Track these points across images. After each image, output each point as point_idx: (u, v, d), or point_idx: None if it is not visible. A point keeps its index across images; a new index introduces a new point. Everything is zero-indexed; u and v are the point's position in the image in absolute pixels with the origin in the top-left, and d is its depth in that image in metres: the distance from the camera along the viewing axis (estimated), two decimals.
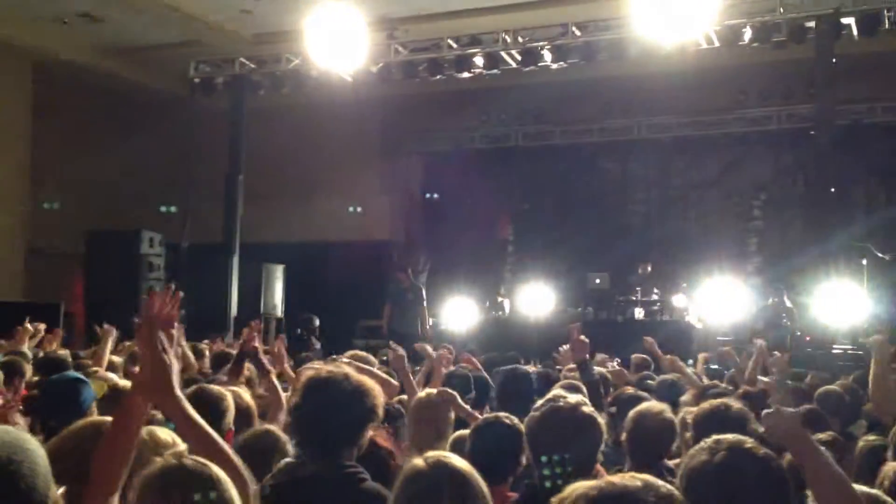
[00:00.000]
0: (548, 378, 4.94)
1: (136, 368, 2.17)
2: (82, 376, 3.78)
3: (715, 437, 2.31)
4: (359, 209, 18.09)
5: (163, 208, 17.22)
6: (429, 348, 6.57)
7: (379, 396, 2.93)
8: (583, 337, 4.96)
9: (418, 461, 2.25)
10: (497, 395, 4.75)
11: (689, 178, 17.75)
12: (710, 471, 2.20)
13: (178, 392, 2.09)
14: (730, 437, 2.34)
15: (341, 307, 15.21)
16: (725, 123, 16.48)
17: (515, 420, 3.53)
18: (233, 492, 1.94)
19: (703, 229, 17.46)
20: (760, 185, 16.95)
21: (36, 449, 1.69)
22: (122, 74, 16.36)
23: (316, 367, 3.23)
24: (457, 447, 3.69)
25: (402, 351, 5.34)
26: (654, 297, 14.10)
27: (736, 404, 3.59)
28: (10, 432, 1.70)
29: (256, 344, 4.66)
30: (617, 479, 1.85)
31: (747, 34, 12.37)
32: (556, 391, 3.11)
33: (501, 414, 3.66)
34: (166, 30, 14.75)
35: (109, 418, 2.89)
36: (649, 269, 14.55)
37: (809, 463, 2.42)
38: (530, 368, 6.10)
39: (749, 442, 2.32)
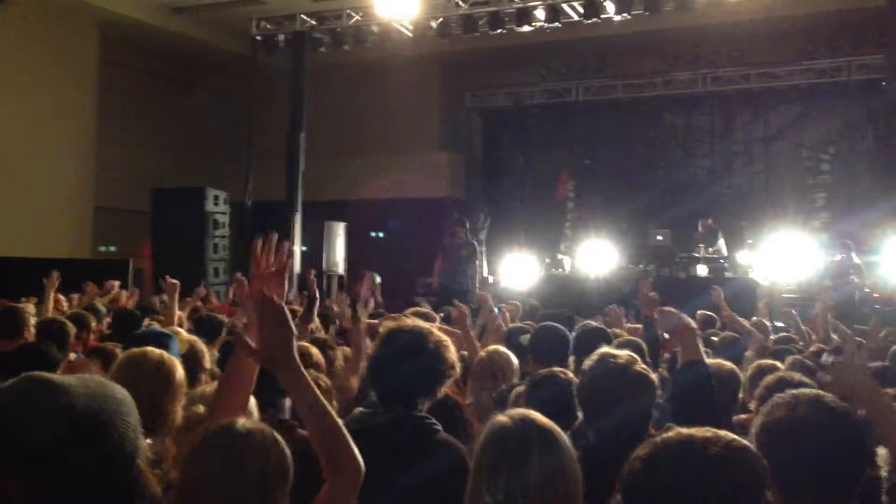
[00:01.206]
0: (603, 334, 4.90)
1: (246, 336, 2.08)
2: (169, 332, 3.87)
3: (792, 391, 2.27)
4: (419, 166, 18.09)
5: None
6: (490, 301, 6.62)
7: (455, 352, 2.97)
8: (653, 293, 4.94)
9: (503, 418, 2.22)
10: (531, 351, 4.70)
11: (754, 132, 17.34)
12: (790, 426, 2.16)
13: (298, 363, 2.04)
14: (808, 391, 2.30)
15: (401, 264, 15.32)
16: (793, 75, 16.04)
17: (571, 375, 3.53)
18: (287, 461, 1.95)
19: (769, 184, 17.09)
20: (829, 138, 16.48)
21: (125, 398, 1.70)
22: (186, 33, 16.54)
23: (396, 319, 3.28)
24: (516, 403, 3.71)
25: (466, 308, 5.38)
26: (715, 254, 13.86)
27: (796, 375, 3.61)
28: (102, 383, 1.71)
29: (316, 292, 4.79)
30: (686, 430, 1.85)
31: None
32: (606, 349, 3.09)
33: (557, 369, 3.66)
34: None
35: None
36: (710, 222, 14.26)
37: (881, 417, 2.37)
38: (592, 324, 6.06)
39: (828, 397, 2.27)
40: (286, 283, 2.16)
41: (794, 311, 7.90)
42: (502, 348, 4.50)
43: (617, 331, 5.86)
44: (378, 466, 2.66)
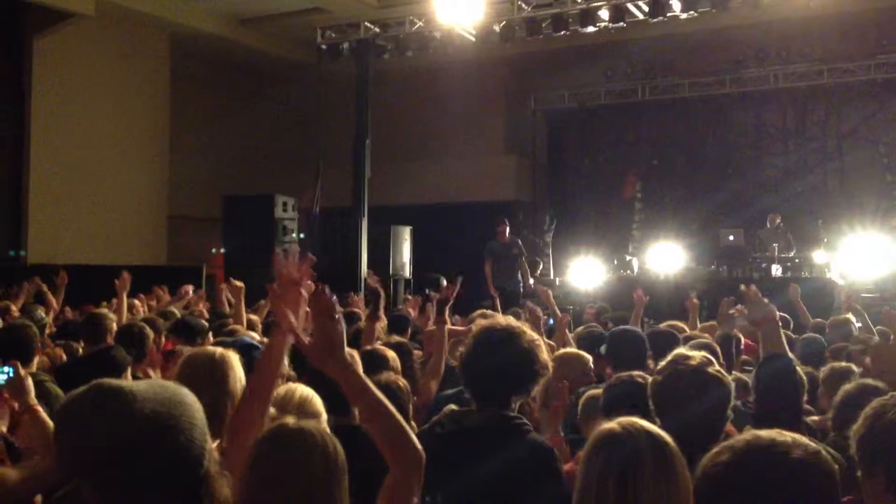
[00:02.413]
0: (673, 337, 4.84)
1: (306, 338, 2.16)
2: (256, 342, 3.92)
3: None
4: (484, 169, 18.09)
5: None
6: (552, 297, 6.66)
7: (547, 353, 2.99)
8: (733, 311, 4.94)
9: (612, 425, 2.12)
10: (609, 357, 4.65)
11: (828, 129, 16.91)
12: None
13: (346, 357, 2.08)
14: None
15: (467, 267, 15.28)
16: (867, 70, 15.59)
17: (648, 378, 3.48)
18: (332, 460, 2.00)
19: (844, 182, 16.65)
20: None
21: (193, 403, 1.75)
22: (253, 44, 16.84)
23: (490, 318, 3.29)
24: (590, 405, 3.68)
25: (541, 313, 5.39)
26: (782, 251, 13.53)
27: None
28: (169, 387, 1.76)
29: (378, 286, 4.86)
30: (764, 433, 1.82)
31: None
32: (680, 350, 3.04)
33: (635, 372, 3.62)
34: None
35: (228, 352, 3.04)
36: (779, 220, 13.92)
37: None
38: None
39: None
40: (303, 295, 2.22)
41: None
42: (577, 350, 4.48)
43: (690, 332, 5.78)
44: (473, 466, 2.68)
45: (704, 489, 1.80)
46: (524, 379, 2.89)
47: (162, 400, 1.68)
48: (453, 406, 3.03)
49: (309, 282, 2.26)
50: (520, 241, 13.10)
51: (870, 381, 3.76)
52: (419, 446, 2.04)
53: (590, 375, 4.30)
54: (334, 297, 2.10)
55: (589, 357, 4.45)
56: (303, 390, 2.88)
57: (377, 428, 2.06)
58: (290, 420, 2.08)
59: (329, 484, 1.99)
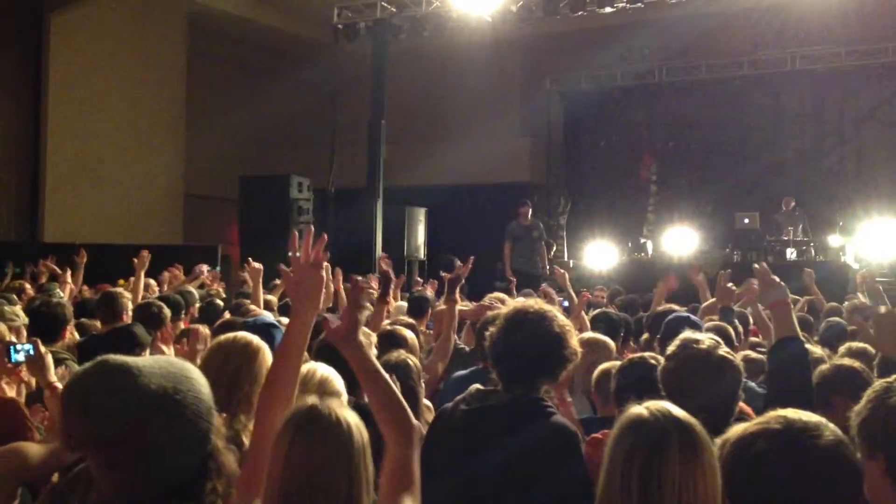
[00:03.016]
0: (689, 321, 4.87)
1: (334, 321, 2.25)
2: (276, 322, 3.97)
3: None
4: (499, 151, 18.07)
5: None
6: (568, 281, 6.70)
7: (576, 339, 3.00)
8: (730, 284, 4.92)
9: (639, 409, 2.07)
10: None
11: (846, 112, 16.79)
12: None
13: (360, 339, 2.18)
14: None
15: (482, 249, 15.30)
16: (884, 52, 15.45)
17: (661, 360, 3.52)
18: (362, 439, 2.03)
19: (860, 165, 16.54)
20: None
21: (199, 378, 1.77)
22: (269, 23, 16.84)
23: (522, 300, 3.31)
24: (602, 383, 3.73)
25: (555, 295, 5.42)
26: (798, 234, 13.47)
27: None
28: (175, 363, 1.78)
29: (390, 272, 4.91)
30: (793, 413, 1.84)
31: None
32: (689, 334, 3.06)
33: (647, 354, 3.66)
34: None
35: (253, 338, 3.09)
36: (793, 204, 13.84)
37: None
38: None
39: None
40: (322, 273, 2.27)
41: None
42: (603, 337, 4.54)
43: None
44: (495, 443, 2.71)
45: (740, 475, 1.81)
46: (553, 363, 2.89)
47: (167, 375, 1.70)
48: (478, 385, 3.06)
49: (325, 262, 2.30)
50: (541, 224, 13.10)
51: (846, 361, 3.77)
52: (414, 422, 2.13)
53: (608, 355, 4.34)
54: (366, 287, 2.19)
55: (613, 344, 4.51)
56: (323, 370, 2.92)
57: (379, 405, 2.19)
58: (317, 401, 2.08)
59: (362, 467, 2.02)
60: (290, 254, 2.30)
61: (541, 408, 2.84)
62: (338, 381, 2.91)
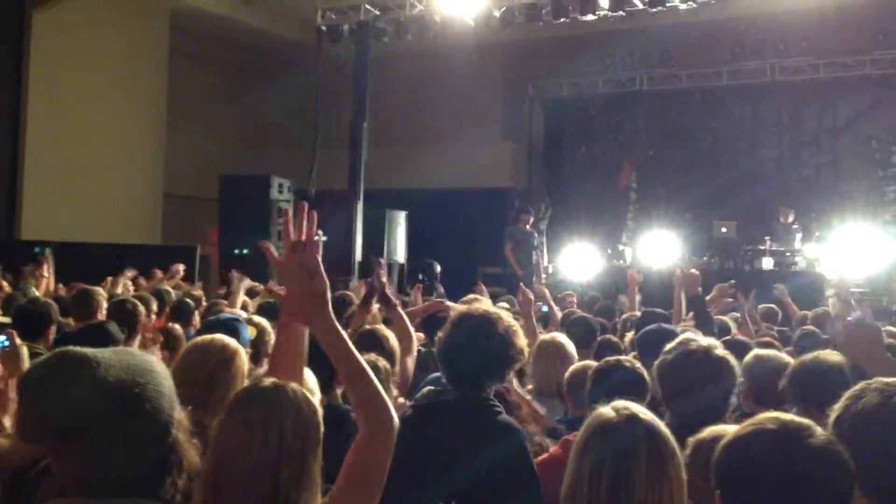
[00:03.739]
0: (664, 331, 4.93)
1: (281, 289, 2.13)
2: (240, 318, 3.98)
3: (882, 379, 2.11)
4: (480, 156, 18.12)
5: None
6: (548, 293, 6.69)
7: (524, 338, 3.02)
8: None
9: (608, 413, 2.07)
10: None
11: (823, 123, 16.99)
12: (886, 415, 2.00)
13: (331, 316, 2.05)
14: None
15: (462, 254, 15.38)
16: (863, 65, 15.64)
17: (637, 364, 3.55)
18: (315, 418, 1.95)
19: (837, 176, 16.74)
20: None
21: (161, 371, 1.75)
22: (253, 23, 16.81)
23: (468, 304, 3.32)
24: (575, 385, 3.75)
25: (531, 294, 5.45)
26: (794, 246, 13.48)
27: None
28: (136, 355, 1.76)
29: (384, 280, 4.78)
30: (784, 416, 1.85)
31: None
32: (688, 334, 3.10)
33: (623, 357, 3.69)
34: None
35: (228, 339, 3.05)
36: (791, 217, 13.81)
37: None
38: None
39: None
40: (317, 250, 2.08)
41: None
42: (560, 336, 4.54)
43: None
44: (440, 441, 2.74)
45: (721, 469, 1.81)
46: (499, 364, 2.92)
47: (127, 367, 1.68)
48: (431, 387, 3.08)
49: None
50: (537, 234, 13.33)
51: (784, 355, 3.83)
52: (394, 413, 2.04)
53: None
54: (319, 254, 2.06)
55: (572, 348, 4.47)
56: None
57: (355, 389, 2.05)
58: (268, 380, 2.01)
59: (302, 451, 1.91)
60: (284, 230, 2.15)
61: (486, 407, 2.86)
62: (311, 379, 2.86)
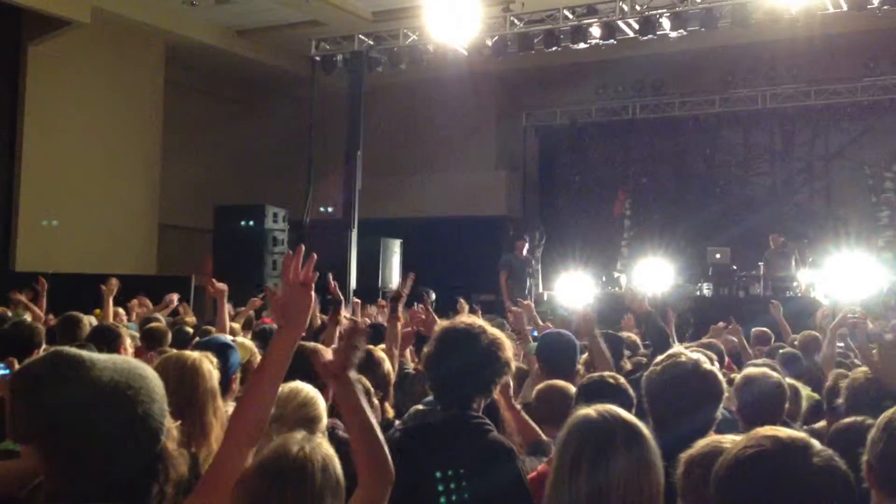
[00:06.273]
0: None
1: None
2: (230, 341, 3.97)
3: None
4: (474, 184, 18.18)
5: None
6: (534, 311, 6.77)
7: (511, 351, 2.98)
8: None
9: (588, 410, 2.18)
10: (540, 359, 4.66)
11: (815, 150, 17.10)
12: None
13: (351, 376, 2.22)
14: None
15: (457, 281, 15.37)
16: (854, 92, 15.78)
17: (621, 379, 3.54)
18: (329, 481, 2.05)
19: (830, 202, 16.82)
20: (892, 156, 16.15)
21: (153, 377, 1.73)
22: (247, 55, 16.92)
23: (452, 319, 3.30)
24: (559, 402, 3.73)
25: (525, 319, 5.47)
26: (788, 272, 13.52)
27: None
28: (129, 361, 1.75)
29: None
30: (782, 431, 1.84)
31: None
32: (677, 348, 3.10)
33: (606, 373, 3.68)
34: (290, 10, 15.20)
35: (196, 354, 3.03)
36: (781, 240, 13.88)
37: None
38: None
39: None
40: (312, 294, 2.19)
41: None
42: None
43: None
44: (429, 465, 2.71)
45: (720, 485, 1.80)
46: (485, 378, 2.88)
47: (121, 370, 1.67)
48: (419, 406, 3.06)
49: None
50: (533, 262, 13.33)
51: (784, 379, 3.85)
52: (392, 467, 2.14)
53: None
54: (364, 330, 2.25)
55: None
56: (308, 391, 2.85)
57: (361, 444, 2.18)
58: (288, 443, 2.09)
59: None
60: (283, 272, 2.26)
61: (475, 426, 2.81)
62: (320, 404, 2.85)
